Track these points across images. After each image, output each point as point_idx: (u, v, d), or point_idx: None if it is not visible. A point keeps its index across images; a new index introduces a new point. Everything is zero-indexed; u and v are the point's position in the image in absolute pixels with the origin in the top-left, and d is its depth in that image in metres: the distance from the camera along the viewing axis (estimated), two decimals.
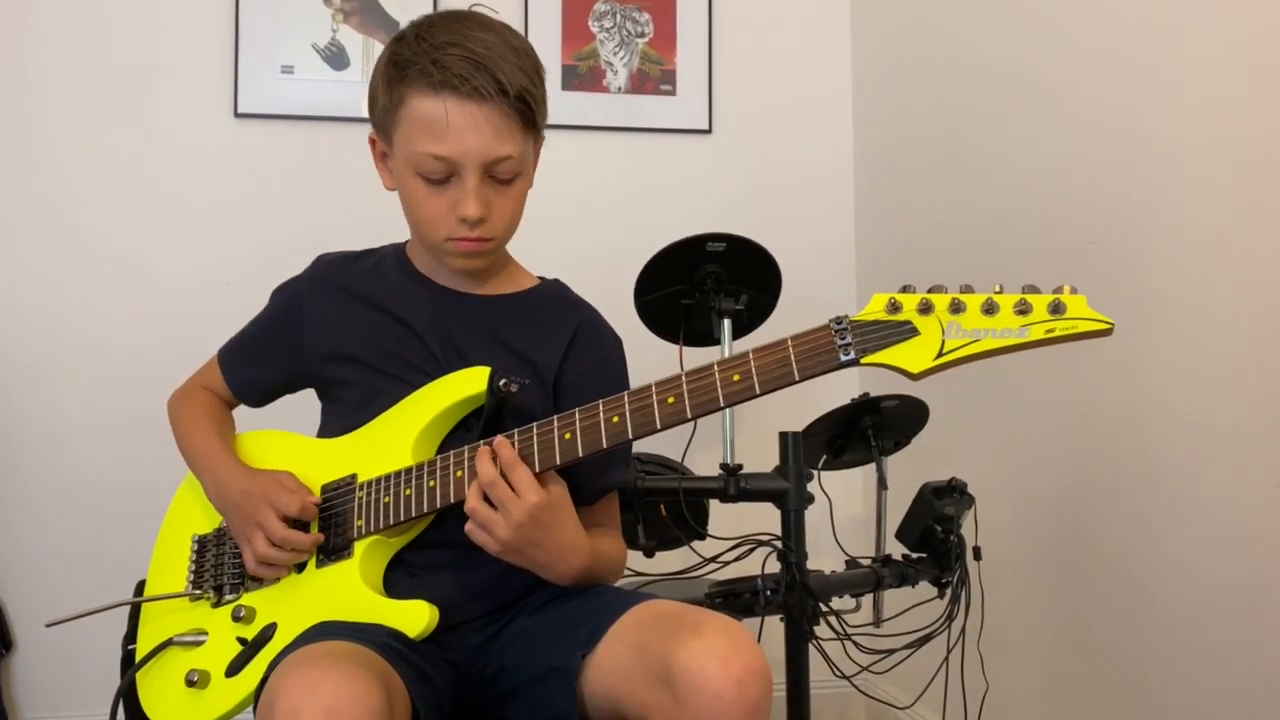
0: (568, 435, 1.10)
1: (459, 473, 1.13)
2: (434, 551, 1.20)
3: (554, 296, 1.35)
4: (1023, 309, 0.96)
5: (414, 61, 1.16)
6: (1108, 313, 0.97)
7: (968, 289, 0.99)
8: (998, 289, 0.98)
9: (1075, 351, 1.73)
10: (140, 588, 1.33)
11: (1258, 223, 1.38)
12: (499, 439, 1.11)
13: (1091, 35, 1.71)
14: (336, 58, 2.34)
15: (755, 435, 1.89)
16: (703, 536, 1.71)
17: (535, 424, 1.12)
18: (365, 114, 1.27)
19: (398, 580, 1.19)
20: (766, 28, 2.54)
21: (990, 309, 0.97)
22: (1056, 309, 0.96)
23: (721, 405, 1.04)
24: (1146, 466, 1.58)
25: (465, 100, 1.14)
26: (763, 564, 1.59)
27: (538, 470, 1.11)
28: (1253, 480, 1.39)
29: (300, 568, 1.21)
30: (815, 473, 1.70)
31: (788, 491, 1.63)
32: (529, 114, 1.18)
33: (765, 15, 2.54)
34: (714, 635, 0.99)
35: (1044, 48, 1.83)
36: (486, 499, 1.10)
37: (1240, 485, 1.41)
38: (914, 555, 1.68)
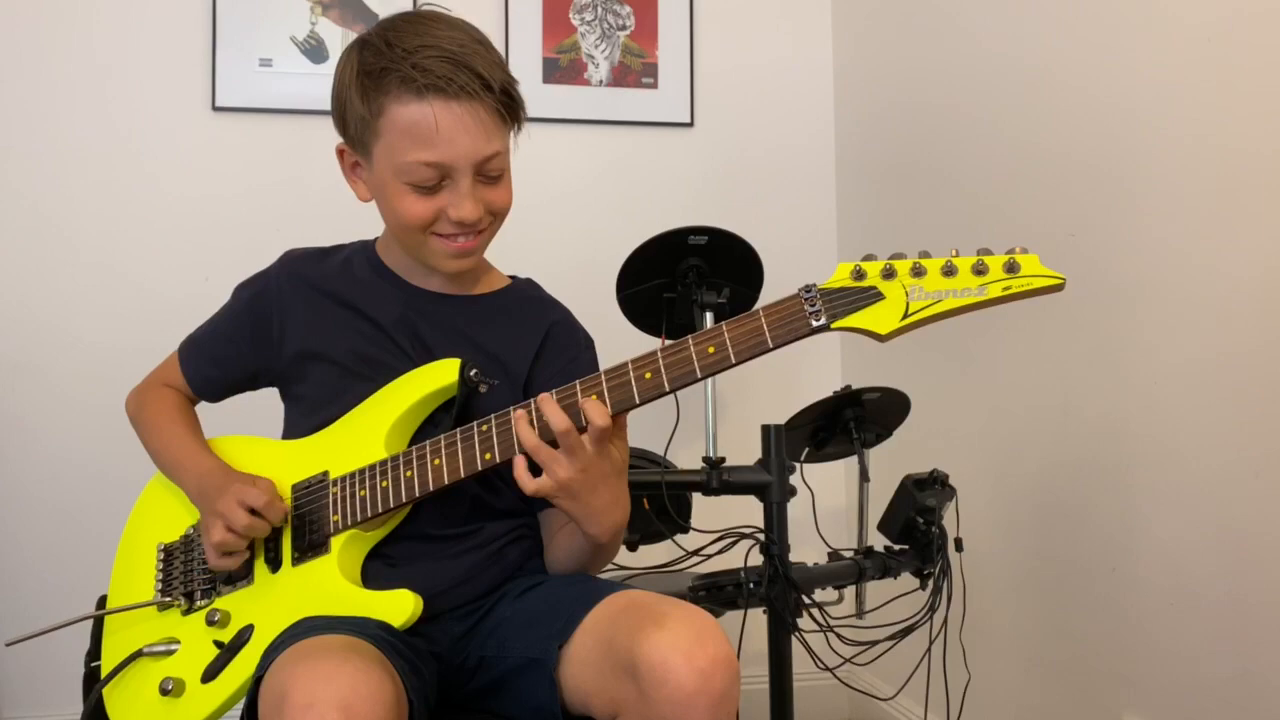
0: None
1: (435, 461, 1.12)
2: (411, 544, 1.19)
3: (526, 296, 1.34)
4: (980, 269, 1.00)
5: (391, 68, 1.12)
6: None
7: (925, 254, 1.02)
8: (954, 252, 1.01)
9: (1056, 343, 1.74)
10: (101, 603, 1.29)
11: (1236, 215, 1.39)
12: (543, 396, 1.07)
13: (1073, 28, 1.71)
14: (315, 51, 2.32)
15: (738, 428, 1.88)
16: (686, 530, 1.71)
17: (512, 407, 1.11)
18: None
19: (377, 572, 1.18)
20: (748, 20, 2.54)
21: (950, 271, 1.00)
22: (1011, 268, 0.99)
23: (699, 376, 1.05)
24: (1126, 457, 1.58)
25: (452, 101, 1.11)
26: (745, 557, 1.59)
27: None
28: (1231, 469, 1.39)
29: (275, 567, 1.19)
30: (797, 465, 1.70)
31: (770, 484, 1.63)
32: (512, 107, 1.17)
33: (747, 8, 2.54)
34: (677, 627, 0.98)
35: (1025, 40, 1.84)
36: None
37: (1219, 475, 1.42)
38: (896, 547, 1.68)
